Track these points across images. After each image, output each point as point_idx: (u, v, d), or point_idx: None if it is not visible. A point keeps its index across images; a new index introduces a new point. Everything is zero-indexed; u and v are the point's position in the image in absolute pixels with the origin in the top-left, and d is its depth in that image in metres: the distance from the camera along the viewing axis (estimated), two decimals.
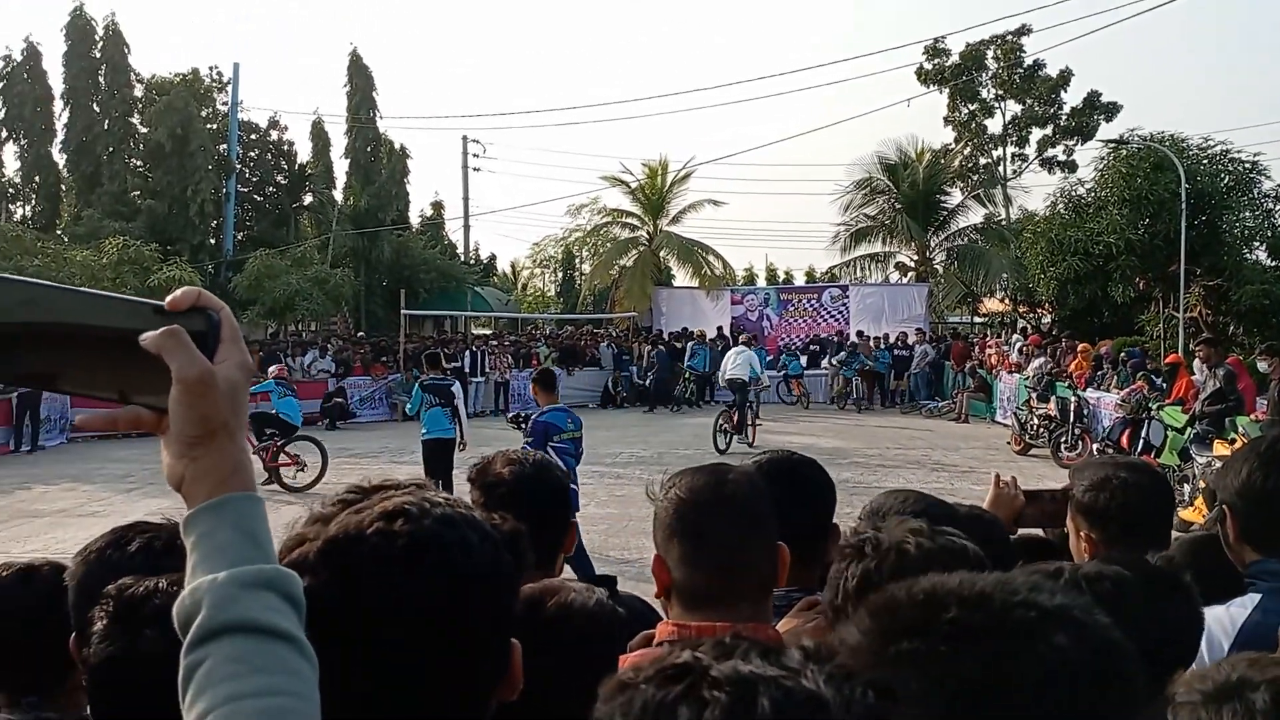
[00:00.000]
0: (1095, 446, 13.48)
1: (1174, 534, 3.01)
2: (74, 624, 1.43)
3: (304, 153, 34.26)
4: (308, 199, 33.57)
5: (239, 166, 30.98)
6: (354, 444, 17.26)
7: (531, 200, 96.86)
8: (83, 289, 0.92)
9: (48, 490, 12.79)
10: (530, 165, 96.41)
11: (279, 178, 33.35)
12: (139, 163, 29.53)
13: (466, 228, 38.48)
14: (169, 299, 0.89)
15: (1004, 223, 30.51)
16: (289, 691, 0.79)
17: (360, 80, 33.47)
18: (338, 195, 33.18)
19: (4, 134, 28.99)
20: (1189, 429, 11.21)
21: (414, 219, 37.27)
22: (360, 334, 27.49)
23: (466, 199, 38.30)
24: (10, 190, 30.07)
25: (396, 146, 34.99)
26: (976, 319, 31.46)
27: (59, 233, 28.00)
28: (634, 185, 31.50)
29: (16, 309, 0.87)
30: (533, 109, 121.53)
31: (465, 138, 38.40)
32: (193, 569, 0.84)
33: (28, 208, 30.10)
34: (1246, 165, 21.41)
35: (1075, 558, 2.27)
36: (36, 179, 29.48)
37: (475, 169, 38.85)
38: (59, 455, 16.28)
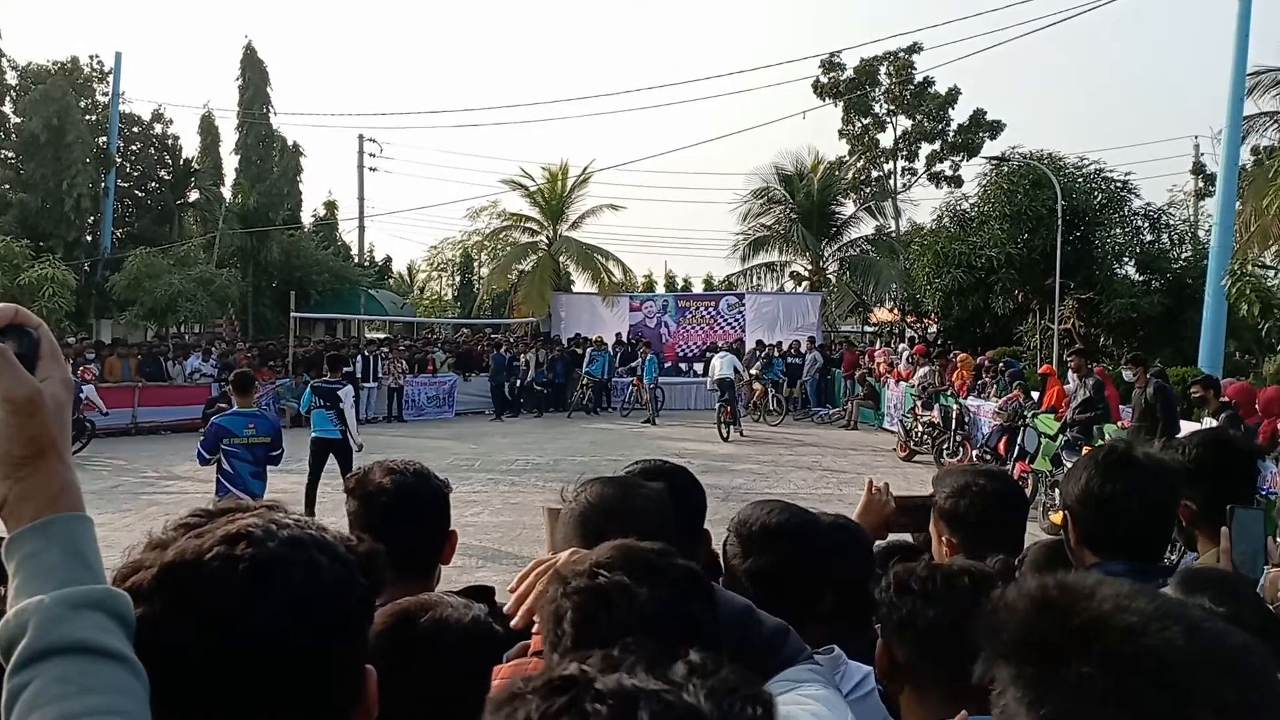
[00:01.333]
0: (974, 453, 14.02)
1: (1045, 536, 3.18)
2: None
3: (190, 147, 33.07)
4: (193, 196, 32.33)
5: (119, 160, 29.67)
6: None
7: (429, 202, 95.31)
8: None
9: None
10: (428, 167, 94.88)
11: (162, 173, 32.02)
12: (10, 154, 27.99)
13: (361, 229, 37.74)
14: None
15: (894, 235, 31.46)
16: (119, 710, 0.78)
17: (254, 74, 32.49)
18: (226, 193, 32.08)
19: None
20: (1060, 436, 11.76)
21: (306, 219, 36.35)
22: (240, 342, 26.61)
23: (362, 199, 37.58)
24: None
25: (290, 143, 34.08)
26: (867, 328, 32.34)
27: None
28: (533, 189, 31.37)
29: None
30: (432, 109, 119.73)
31: (361, 136, 37.68)
32: (16, 591, 0.82)
33: None
34: (1118, 184, 22.63)
35: (936, 560, 2.38)
36: None
37: (371, 169, 38.14)
38: None
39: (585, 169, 31.36)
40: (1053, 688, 0.73)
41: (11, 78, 28.00)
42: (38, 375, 0.88)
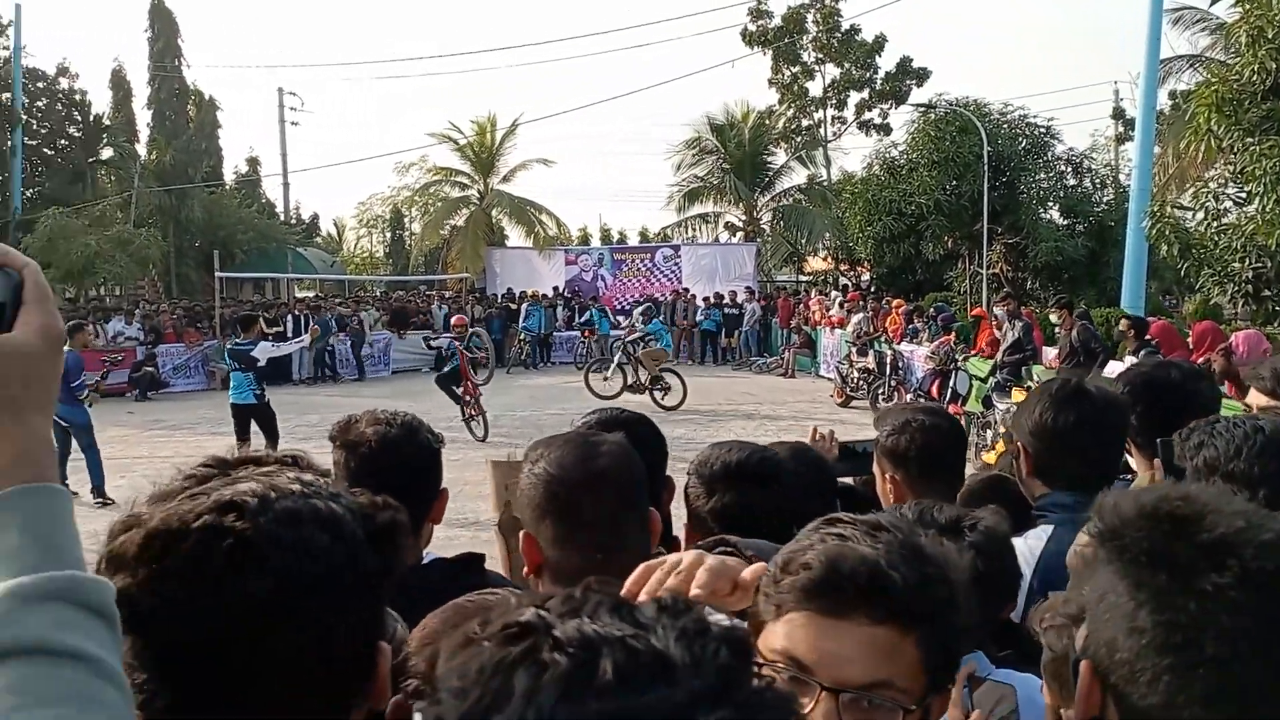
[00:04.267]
0: (909, 397, 14.28)
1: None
2: None
3: (100, 103, 31.71)
4: (106, 153, 31.06)
5: (24, 117, 28.32)
6: (168, 415, 16.31)
7: (355, 157, 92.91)
8: None
9: None
10: (354, 121, 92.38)
11: (72, 130, 30.68)
12: None
13: (286, 185, 36.77)
14: None
15: (825, 183, 31.60)
16: None
17: (163, 25, 31.21)
18: (141, 150, 30.88)
19: None
20: (991, 378, 12.03)
21: (228, 176, 35.26)
22: (164, 304, 25.81)
23: (285, 154, 36.57)
24: None
25: (206, 97, 32.90)
26: (802, 277, 32.59)
27: None
28: (463, 143, 30.83)
29: None
30: (354, 61, 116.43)
31: (281, 89, 36.57)
32: None
33: None
34: (1041, 130, 22.97)
35: (881, 499, 2.41)
36: None
37: (294, 123, 37.09)
38: None
39: (514, 121, 30.92)
40: (1181, 595, 0.78)
41: None
42: (17, 322, 0.76)
